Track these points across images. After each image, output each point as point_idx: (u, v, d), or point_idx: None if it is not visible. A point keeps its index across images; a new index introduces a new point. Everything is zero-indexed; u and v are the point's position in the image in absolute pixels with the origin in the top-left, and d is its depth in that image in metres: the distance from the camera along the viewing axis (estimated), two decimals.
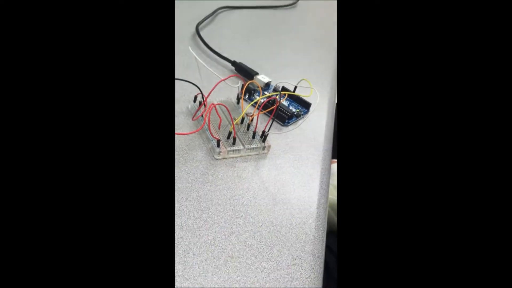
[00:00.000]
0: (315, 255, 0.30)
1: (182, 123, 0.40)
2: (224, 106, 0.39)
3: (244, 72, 0.48)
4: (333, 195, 0.51)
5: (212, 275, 0.28)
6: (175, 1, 0.51)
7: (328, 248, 0.32)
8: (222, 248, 0.29)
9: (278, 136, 0.41)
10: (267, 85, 0.47)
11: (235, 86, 0.44)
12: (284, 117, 0.42)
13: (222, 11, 0.64)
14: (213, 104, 0.38)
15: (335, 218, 0.56)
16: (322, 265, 0.30)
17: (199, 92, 0.39)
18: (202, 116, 0.39)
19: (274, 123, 0.42)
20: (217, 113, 0.39)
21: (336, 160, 0.56)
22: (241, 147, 0.37)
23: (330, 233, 0.35)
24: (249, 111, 0.41)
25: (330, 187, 0.39)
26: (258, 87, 0.44)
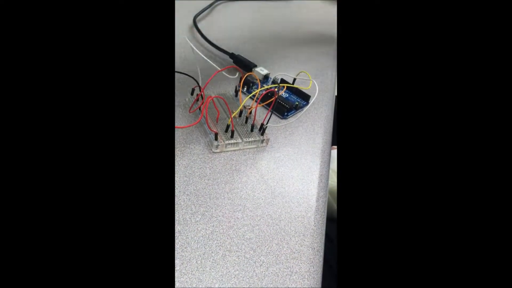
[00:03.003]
0: (314, 248, 0.30)
1: (179, 117, 0.39)
2: (222, 98, 0.39)
3: (243, 64, 0.47)
4: (333, 181, 0.51)
5: (210, 269, 0.27)
6: None
7: (327, 237, 0.32)
8: (220, 242, 0.29)
9: (277, 129, 0.40)
10: (265, 78, 0.46)
11: (233, 77, 0.44)
12: (283, 110, 0.42)
13: (220, 3, 0.63)
14: (210, 97, 0.38)
15: (335, 206, 0.56)
16: (321, 259, 0.30)
17: (197, 85, 0.38)
18: (199, 109, 0.39)
19: (273, 115, 0.41)
20: (215, 106, 0.39)
21: (336, 146, 0.55)
22: (240, 140, 0.37)
23: (329, 221, 0.34)
24: (248, 104, 0.41)
25: (330, 172, 0.38)
26: (256, 79, 0.43)
